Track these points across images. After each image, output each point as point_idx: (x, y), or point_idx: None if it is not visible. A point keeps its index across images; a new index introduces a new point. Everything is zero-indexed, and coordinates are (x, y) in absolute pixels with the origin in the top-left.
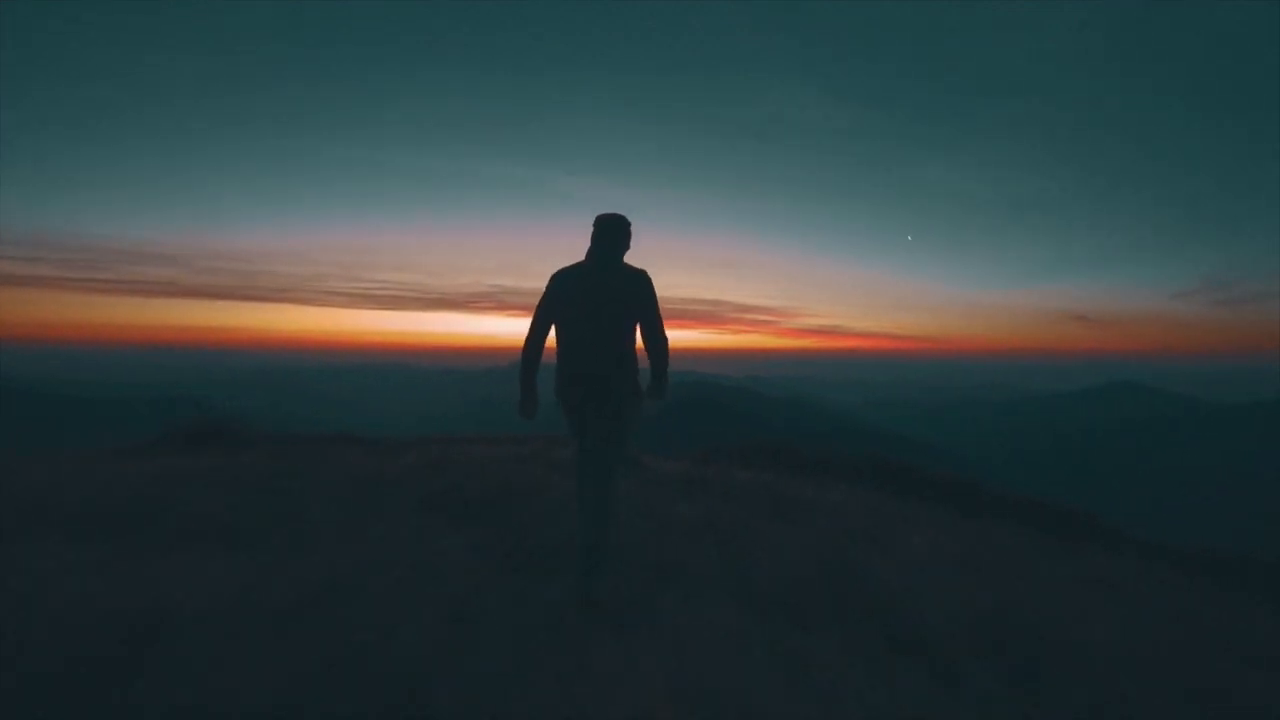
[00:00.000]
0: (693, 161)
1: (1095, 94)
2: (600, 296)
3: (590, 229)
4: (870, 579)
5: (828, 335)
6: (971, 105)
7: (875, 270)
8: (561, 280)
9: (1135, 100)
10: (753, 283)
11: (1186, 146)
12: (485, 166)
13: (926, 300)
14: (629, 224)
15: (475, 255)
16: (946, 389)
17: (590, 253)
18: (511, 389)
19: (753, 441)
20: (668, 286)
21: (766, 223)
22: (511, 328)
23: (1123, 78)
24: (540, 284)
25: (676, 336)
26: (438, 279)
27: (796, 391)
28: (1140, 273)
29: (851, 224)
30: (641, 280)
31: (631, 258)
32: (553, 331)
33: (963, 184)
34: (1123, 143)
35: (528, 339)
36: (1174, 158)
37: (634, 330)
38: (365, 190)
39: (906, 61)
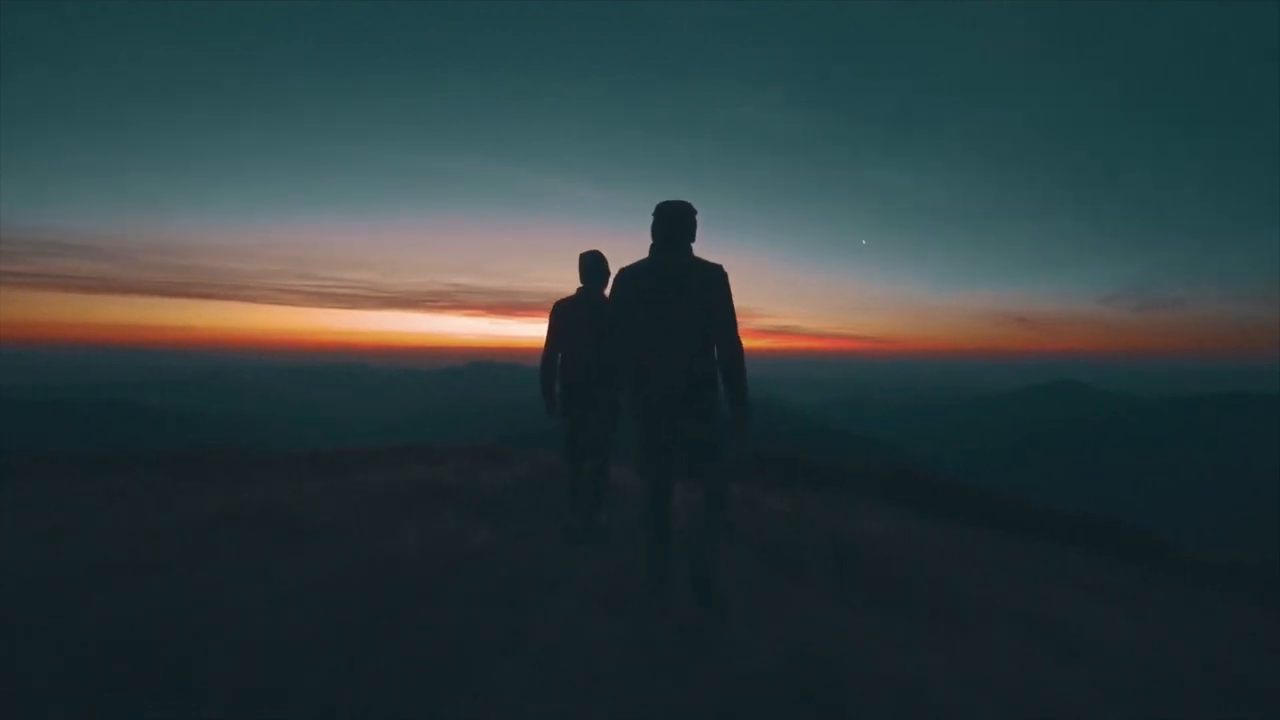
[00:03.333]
0: (657, 163)
1: (1039, 106)
2: (669, 297)
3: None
4: None
5: (785, 336)
6: (925, 113)
7: (831, 273)
8: (628, 279)
9: (1072, 112)
10: None
11: (1116, 157)
12: (446, 162)
13: (880, 302)
14: (694, 210)
15: (433, 253)
16: (901, 389)
17: (653, 248)
18: (475, 390)
19: (756, 449)
20: None
21: (727, 225)
22: (470, 327)
23: (1061, 90)
24: (500, 283)
25: None
26: (394, 277)
27: (762, 393)
28: (1072, 277)
29: (809, 227)
30: (715, 275)
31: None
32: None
33: (915, 190)
34: (1060, 151)
35: (616, 354)
36: (1104, 167)
37: (710, 338)
38: (319, 184)
39: (863, 68)
